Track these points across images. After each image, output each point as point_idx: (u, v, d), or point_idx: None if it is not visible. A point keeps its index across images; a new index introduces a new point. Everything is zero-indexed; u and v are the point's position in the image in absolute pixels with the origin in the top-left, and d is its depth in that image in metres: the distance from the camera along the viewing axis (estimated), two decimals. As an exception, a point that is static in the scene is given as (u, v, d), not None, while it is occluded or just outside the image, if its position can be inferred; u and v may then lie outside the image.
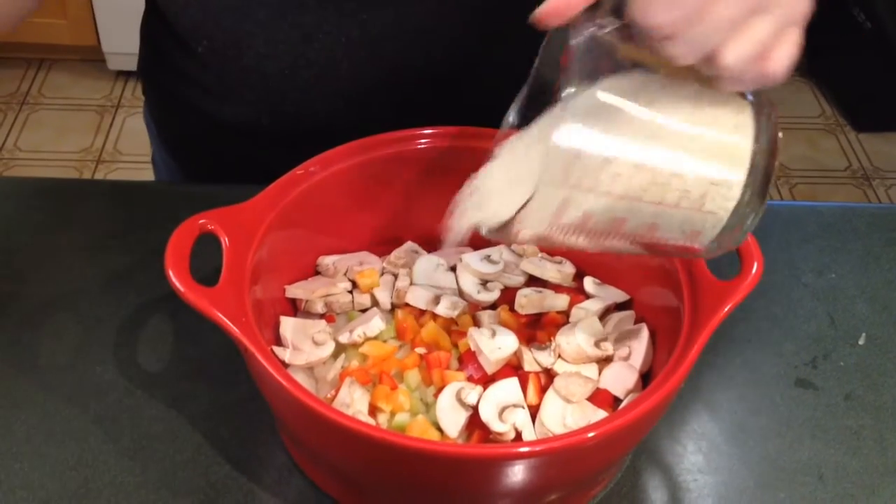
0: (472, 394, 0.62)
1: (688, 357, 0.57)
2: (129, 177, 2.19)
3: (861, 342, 0.77)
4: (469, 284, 0.72)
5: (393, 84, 0.82)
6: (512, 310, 0.70)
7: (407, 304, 0.71)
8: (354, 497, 0.64)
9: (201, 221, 0.61)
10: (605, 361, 0.66)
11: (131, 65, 2.20)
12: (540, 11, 0.50)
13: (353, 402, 0.62)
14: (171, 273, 0.58)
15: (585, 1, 0.50)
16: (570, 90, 0.51)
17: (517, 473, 0.56)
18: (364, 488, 0.63)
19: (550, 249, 0.74)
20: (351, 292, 0.72)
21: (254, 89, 0.83)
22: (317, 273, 0.74)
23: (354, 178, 0.71)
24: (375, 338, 0.68)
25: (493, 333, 0.66)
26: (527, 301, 0.70)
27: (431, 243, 0.75)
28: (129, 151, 2.32)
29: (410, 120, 0.72)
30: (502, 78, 0.63)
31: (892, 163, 2.41)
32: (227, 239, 0.62)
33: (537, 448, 0.54)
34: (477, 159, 0.59)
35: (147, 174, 1.09)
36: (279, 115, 0.85)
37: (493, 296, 0.71)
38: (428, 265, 0.73)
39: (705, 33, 0.47)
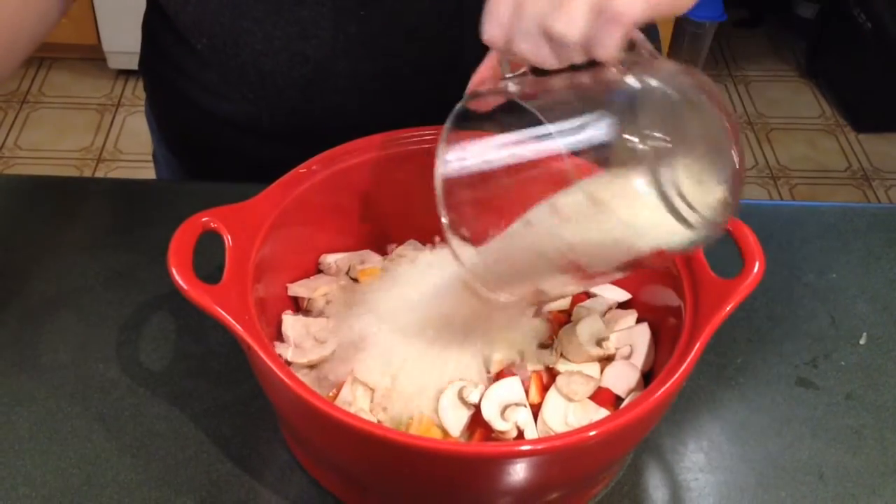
0: (474, 392, 0.62)
1: (689, 356, 0.57)
2: (129, 176, 2.19)
3: (862, 342, 0.77)
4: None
5: (389, 81, 0.82)
6: (513, 308, 0.70)
7: (409, 303, 0.71)
8: (356, 495, 0.64)
9: (204, 219, 0.62)
10: (606, 360, 0.67)
11: (132, 63, 2.21)
12: (466, 94, 0.59)
13: (356, 400, 0.62)
14: (174, 271, 0.58)
15: (488, 75, 0.59)
16: (444, 158, 0.59)
17: (519, 472, 0.56)
18: (366, 486, 0.63)
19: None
20: (353, 291, 0.72)
21: (252, 86, 0.83)
22: (319, 271, 0.74)
23: (356, 176, 0.71)
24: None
25: (495, 332, 0.66)
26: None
27: (432, 241, 0.75)
28: (130, 150, 2.32)
29: (407, 117, 0.72)
30: None
31: (892, 163, 2.41)
32: (229, 237, 0.62)
33: (539, 446, 0.54)
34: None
35: (147, 174, 1.09)
36: (278, 111, 0.85)
37: (494, 294, 0.71)
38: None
39: (528, 25, 0.52)
